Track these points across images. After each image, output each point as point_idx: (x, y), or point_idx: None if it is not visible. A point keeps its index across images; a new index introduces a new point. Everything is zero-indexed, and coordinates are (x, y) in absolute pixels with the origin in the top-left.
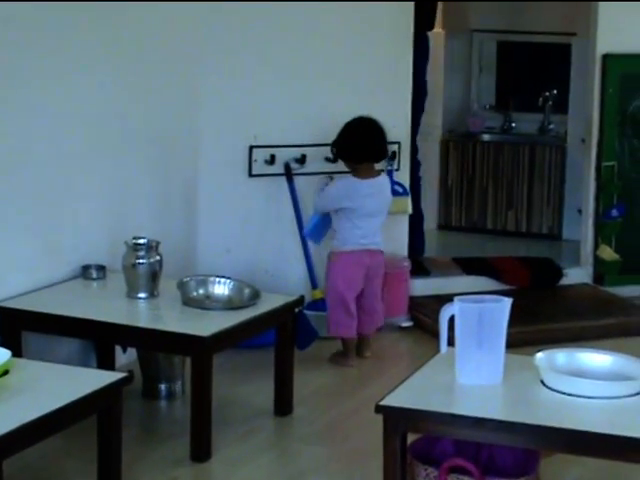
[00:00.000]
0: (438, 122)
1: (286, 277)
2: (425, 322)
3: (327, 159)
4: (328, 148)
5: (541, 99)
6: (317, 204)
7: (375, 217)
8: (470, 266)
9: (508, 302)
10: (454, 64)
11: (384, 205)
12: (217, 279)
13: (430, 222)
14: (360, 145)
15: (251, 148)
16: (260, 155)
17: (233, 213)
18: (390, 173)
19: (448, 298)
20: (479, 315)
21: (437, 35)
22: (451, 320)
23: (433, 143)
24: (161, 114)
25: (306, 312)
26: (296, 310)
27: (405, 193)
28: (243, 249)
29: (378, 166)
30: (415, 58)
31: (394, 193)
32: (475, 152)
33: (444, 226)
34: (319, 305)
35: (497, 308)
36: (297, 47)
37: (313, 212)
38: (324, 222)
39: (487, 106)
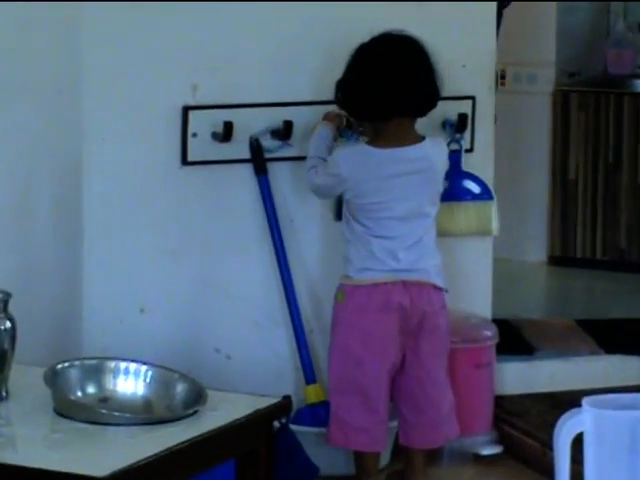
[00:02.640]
0: (548, 57)
1: (255, 360)
2: (526, 446)
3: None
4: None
5: None
6: (313, 185)
7: (415, 219)
8: (613, 336)
9: None
10: None
11: (433, 193)
12: (122, 365)
13: (533, 250)
14: (382, 86)
15: (186, 111)
16: (204, 124)
17: (152, 236)
18: (456, 157)
19: (570, 399)
20: (631, 431)
21: None
22: (576, 441)
23: (537, 97)
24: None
25: (295, 428)
26: (276, 425)
27: (486, 196)
28: (171, 306)
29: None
30: None
31: (464, 196)
32: (621, 114)
33: (561, 259)
34: (319, 413)
35: None
36: None
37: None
38: None
39: None
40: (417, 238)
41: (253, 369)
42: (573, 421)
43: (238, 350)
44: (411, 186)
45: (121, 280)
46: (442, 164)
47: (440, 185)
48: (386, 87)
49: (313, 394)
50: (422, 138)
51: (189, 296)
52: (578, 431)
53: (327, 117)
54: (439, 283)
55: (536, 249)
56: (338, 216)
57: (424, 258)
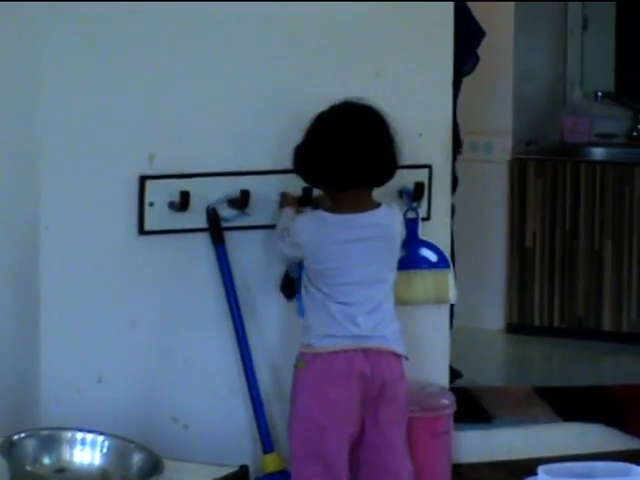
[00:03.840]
0: (505, 125)
1: (213, 429)
2: None
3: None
4: (291, 176)
5: None
6: (280, 253)
7: (374, 284)
8: (572, 404)
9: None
10: (533, 18)
11: (391, 258)
12: (79, 436)
13: (491, 318)
14: (341, 157)
15: (143, 180)
16: (161, 193)
17: (110, 306)
18: (413, 225)
19: (528, 468)
20: None
21: None
22: None
23: (494, 165)
24: None
25: None
26: None
27: (443, 264)
28: (128, 376)
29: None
30: None
31: (420, 264)
32: (578, 182)
33: (518, 327)
34: None
35: None
36: None
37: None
38: None
39: (599, 94)
40: (376, 304)
41: (211, 438)
42: None
43: (196, 420)
44: (368, 251)
45: (78, 350)
46: (398, 231)
47: (397, 251)
48: (344, 158)
49: (271, 463)
50: (378, 205)
51: (147, 366)
52: None
53: (286, 202)
54: (399, 350)
55: (494, 317)
56: (288, 295)
57: (383, 324)
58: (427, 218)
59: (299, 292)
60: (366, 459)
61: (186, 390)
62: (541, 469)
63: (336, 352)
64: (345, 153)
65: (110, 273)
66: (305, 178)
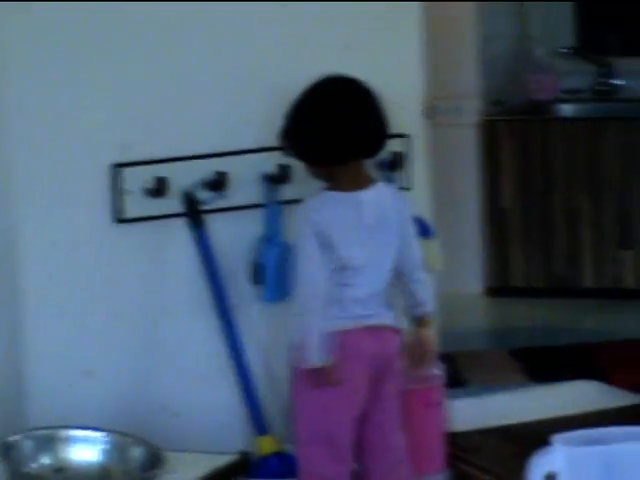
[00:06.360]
0: (473, 88)
1: (203, 415)
2: None
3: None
4: (273, 155)
5: None
6: (303, 295)
7: (379, 263)
8: (553, 364)
9: None
10: None
11: (393, 239)
12: (75, 434)
13: (470, 283)
14: (340, 128)
15: (117, 168)
16: (137, 181)
17: (91, 299)
18: None
19: (521, 432)
20: (606, 467)
21: None
22: None
23: (464, 129)
24: None
25: None
26: None
27: (428, 234)
28: (115, 368)
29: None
30: None
31: None
32: (549, 140)
33: (498, 290)
34: (273, 467)
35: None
36: None
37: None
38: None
39: (565, 49)
40: (378, 285)
41: (201, 424)
42: (544, 460)
43: (186, 406)
44: (375, 230)
45: (63, 344)
46: (400, 204)
47: (400, 226)
48: (344, 129)
49: (267, 445)
50: (374, 180)
51: (133, 356)
52: (550, 470)
53: None
54: (399, 326)
55: (473, 280)
56: (255, 279)
57: (385, 302)
58: (408, 188)
59: (268, 277)
60: (368, 437)
61: (174, 377)
62: (556, 439)
63: (343, 332)
64: (344, 124)
65: (89, 264)
66: (302, 157)
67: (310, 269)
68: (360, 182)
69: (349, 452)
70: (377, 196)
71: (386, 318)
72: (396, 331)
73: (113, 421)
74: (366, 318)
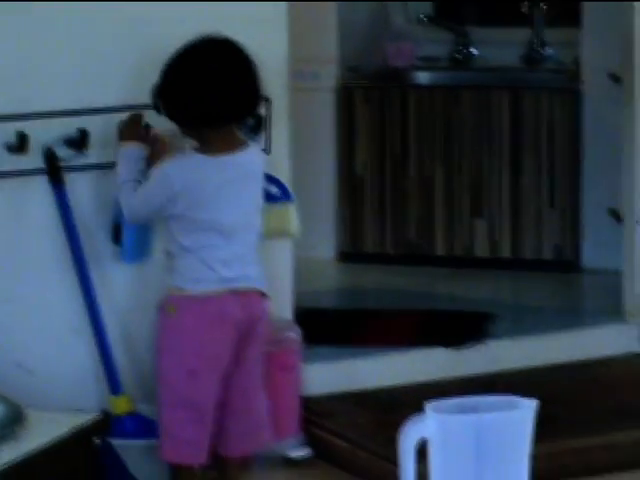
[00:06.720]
0: (331, 52)
1: (57, 373)
2: (338, 448)
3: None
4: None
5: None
6: (130, 207)
7: (245, 226)
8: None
9: (530, 406)
10: None
11: (259, 199)
12: None
13: (322, 248)
14: (216, 91)
15: None
16: None
17: None
18: None
19: (374, 397)
20: (476, 435)
21: None
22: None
23: (320, 94)
24: None
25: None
26: (96, 442)
27: (285, 198)
28: None
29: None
30: None
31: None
32: (405, 107)
33: (350, 255)
34: (127, 426)
35: (514, 419)
36: None
37: (124, 219)
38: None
39: (421, 17)
40: (246, 247)
41: (56, 382)
42: (417, 427)
43: (40, 364)
44: (242, 193)
45: None
46: (261, 169)
47: (262, 192)
48: (219, 93)
49: (121, 404)
50: (246, 143)
51: None
52: (422, 436)
53: (126, 134)
54: (264, 290)
55: (325, 246)
56: (116, 239)
57: (251, 265)
58: (268, 152)
59: (126, 238)
60: (231, 400)
61: (30, 334)
62: (429, 406)
63: (208, 297)
64: (220, 88)
65: None
66: (173, 117)
67: (141, 202)
68: (231, 145)
69: (211, 416)
70: (247, 158)
71: (252, 281)
72: (261, 294)
73: None
74: (233, 281)
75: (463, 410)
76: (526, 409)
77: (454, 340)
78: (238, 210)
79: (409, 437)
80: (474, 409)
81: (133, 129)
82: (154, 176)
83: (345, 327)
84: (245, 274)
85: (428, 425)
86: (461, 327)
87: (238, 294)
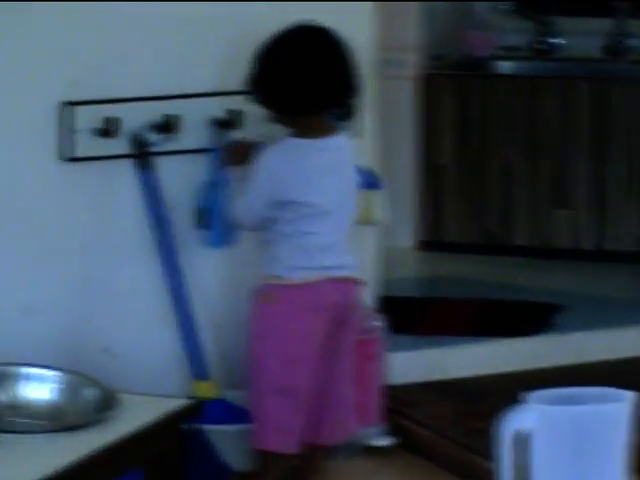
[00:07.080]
0: (412, 40)
1: (142, 358)
2: (421, 437)
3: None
4: (224, 99)
5: None
6: (244, 206)
7: (340, 212)
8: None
9: (629, 399)
10: None
11: (351, 188)
12: (27, 371)
13: (401, 236)
14: (310, 80)
15: (67, 106)
16: (85, 120)
17: (32, 235)
18: None
19: (457, 387)
20: (578, 427)
21: None
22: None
23: (403, 82)
24: None
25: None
26: (185, 428)
27: (374, 186)
28: (55, 306)
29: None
30: None
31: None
32: (486, 96)
33: (429, 244)
34: (212, 412)
35: (616, 411)
36: None
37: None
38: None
39: (504, 6)
40: (342, 233)
41: (140, 366)
42: (516, 417)
43: (125, 348)
44: (340, 177)
45: (2, 281)
46: (351, 156)
47: (354, 179)
48: (317, 80)
49: (206, 390)
50: (334, 129)
51: (74, 295)
52: (520, 427)
53: (237, 159)
54: (358, 277)
55: (404, 234)
56: (200, 224)
57: (345, 253)
58: (357, 139)
59: (213, 222)
60: (325, 390)
61: (115, 319)
62: (532, 397)
63: (308, 284)
64: (318, 75)
65: (32, 201)
66: (272, 105)
67: (253, 197)
68: (324, 130)
69: (305, 404)
70: (340, 143)
71: (349, 269)
72: (356, 282)
73: (51, 360)
74: (331, 270)
75: (560, 401)
76: (626, 401)
77: (517, 330)
78: (337, 195)
79: (507, 428)
80: (570, 400)
81: (243, 153)
82: (257, 167)
83: (425, 316)
84: (342, 261)
85: (528, 416)
86: (526, 318)
87: (336, 281)
